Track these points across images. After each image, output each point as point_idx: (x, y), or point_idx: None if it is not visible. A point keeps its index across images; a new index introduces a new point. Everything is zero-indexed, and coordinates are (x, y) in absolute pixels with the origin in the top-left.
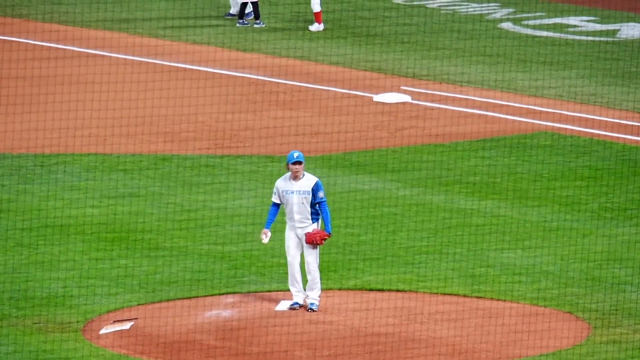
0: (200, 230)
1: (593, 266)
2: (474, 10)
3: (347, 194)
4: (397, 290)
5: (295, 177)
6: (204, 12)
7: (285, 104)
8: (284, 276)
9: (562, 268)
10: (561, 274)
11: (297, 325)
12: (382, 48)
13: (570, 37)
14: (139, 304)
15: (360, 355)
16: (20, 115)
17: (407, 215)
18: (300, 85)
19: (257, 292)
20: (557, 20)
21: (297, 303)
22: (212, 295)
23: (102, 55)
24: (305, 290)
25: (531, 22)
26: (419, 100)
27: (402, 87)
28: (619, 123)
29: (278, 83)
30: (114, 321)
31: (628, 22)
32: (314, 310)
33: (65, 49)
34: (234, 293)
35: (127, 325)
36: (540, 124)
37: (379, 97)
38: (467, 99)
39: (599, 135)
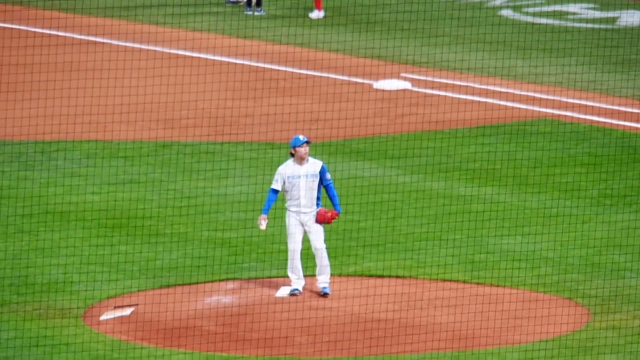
0: (201, 217)
1: (593, 252)
2: None
3: (347, 180)
4: (397, 277)
5: (301, 161)
6: (205, 0)
7: (285, 90)
8: (284, 262)
9: (562, 254)
10: (561, 260)
11: (297, 311)
12: (382, 35)
13: (570, 24)
14: (139, 290)
15: (360, 341)
16: (20, 102)
17: (407, 201)
18: (300, 73)
19: (257, 278)
20: (557, 7)
21: (297, 289)
22: (212, 281)
23: (103, 43)
24: (316, 275)
25: (531, 10)
26: (418, 87)
27: (402, 74)
28: (619, 110)
29: (278, 70)
30: (115, 307)
31: (627, 9)
32: (327, 294)
33: (65, 37)
34: (234, 279)
35: (127, 311)
36: (540, 110)
37: (379, 84)
38: (467, 86)
39: (598, 122)
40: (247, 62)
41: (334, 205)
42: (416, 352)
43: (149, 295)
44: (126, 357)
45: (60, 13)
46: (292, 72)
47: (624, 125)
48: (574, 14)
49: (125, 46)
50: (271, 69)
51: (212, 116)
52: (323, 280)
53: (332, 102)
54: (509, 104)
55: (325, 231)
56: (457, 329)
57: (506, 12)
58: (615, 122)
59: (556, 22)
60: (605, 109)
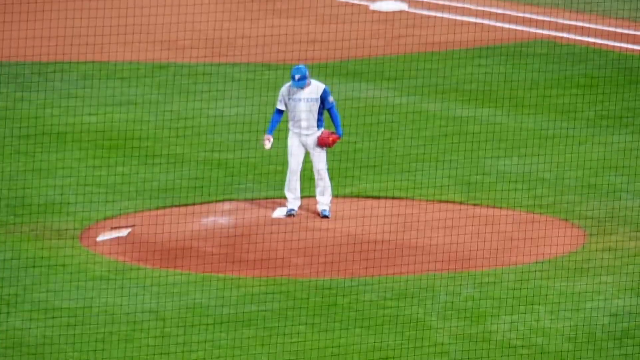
0: (197, 138)
1: (589, 174)
2: None
3: (343, 102)
4: (393, 198)
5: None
6: None
7: (282, 12)
8: (280, 183)
9: (558, 175)
10: (557, 181)
11: (294, 232)
12: None
13: None
14: (136, 211)
15: (357, 262)
16: (17, 23)
17: (404, 123)
18: None
19: (254, 199)
20: None
21: (293, 209)
22: (208, 202)
23: None
24: (316, 196)
25: None
26: (415, 8)
27: None
28: (615, 31)
29: None
30: (111, 228)
31: None
32: (326, 217)
33: None
34: (230, 200)
35: (124, 232)
36: (536, 32)
37: (376, 6)
38: (463, 7)
39: (594, 43)
40: None
41: (335, 127)
42: (413, 273)
43: (146, 216)
44: (123, 277)
45: None
46: None
47: (620, 47)
48: None
49: None
50: None
51: (209, 37)
52: (324, 202)
53: (329, 23)
54: (506, 25)
55: (327, 153)
56: (453, 250)
57: None
58: (611, 43)
59: None
60: (602, 30)
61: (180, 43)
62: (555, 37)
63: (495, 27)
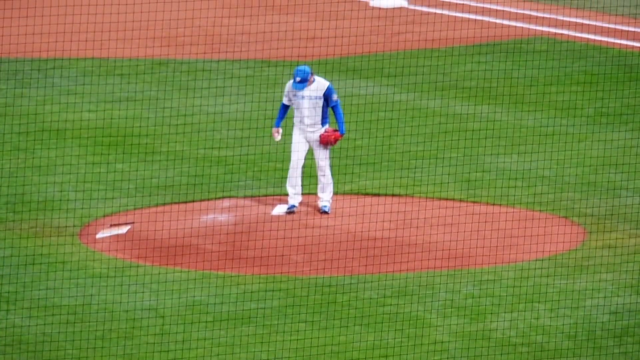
0: (197, 135)
1: (589, 171)
2: None
3: (343, 98)
4: (393, 195)
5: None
6: None
7: (281, 8)
8: (280, 180)
9: (558, 173)
10: (557, 178)
11: (294, 229)
12: None
13: None
14: (135, 208)
15: (356, 259)
16: (17, 20)
17: (403, 119)
18: None
19: (254, 196)
20: None
21: (293, 205)
22: (208, 199)
23: None
24: (317, 193)
25: None
26: (415, 5)
27: None
28: (615, 28)
29: None
30: (111, 225)
31: None
32: (326, 212)
33: None
34: (230, 197)
35: (123, 230)
36: (536, 29)
37: (376, 2)
38: (463, 4)
39: (594, 40)
40: None
41: (338, 125)
42: (412, 270)
43: (145, 214)
44: (122, 275)
45: None
46: None
47: (620, 44)
48: None
49: None
50: None
51: (209, 34)
52: (325, 198)
53: (329, 19)
54: (505, 22)
55: (330, 150)
56: (453, 248)
57: None
58: (611, 40)
59: None
60: (602, 27)
61: (180, 39)
62: (555, 33)
63: (495, 23)
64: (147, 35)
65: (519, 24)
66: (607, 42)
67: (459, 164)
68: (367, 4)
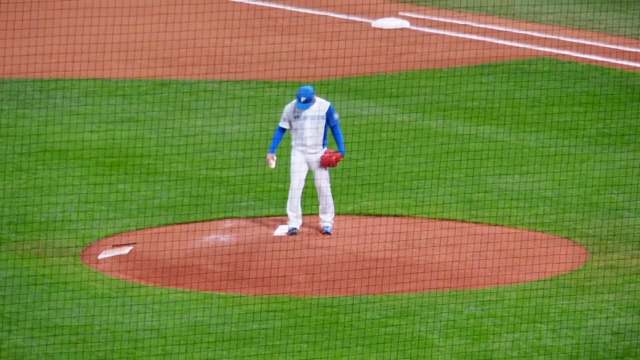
0: (199, 155)
1: (591, 191)
2: None
3: (345, 119)
4: (395, 216)
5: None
6: None
7: (283, 29)
8: (282, 201)
9: (560, 193)
10: (559, 199)
11: (296, 250)
12: None
13: None
14: (137, 229)
15: (358, 279)
16: (19, 40)
17: (405, 140)
18: (298, 11)
19: (256, 217)
20: None
21: (295, 228)
22: (210, 220)
23: None
24: (319, 214)
25: None
26: (417, 25)
27: (400, 13)
28: (617, 49)
29: (277, 8)
30: (113, 246)
31: None
32: (329, 233)
33: None
34: (232, 218)
35: (125, 250)
36: (538, 49)
37: (378, 23)
38: (465, 24)
39: (596, 61)
40: (245, 1)
41: (338, 146)
42: (414, 291)
43: (147, 234)
44: (124, 295)
45: None
46: (291, 10)
47: (622, 65)
48: None
49: None
50: (269, 7)
51: (211, 54)
52: (327, 219)
53: (331, 40)
54: (508, 42)
55: (330, 170)
56: (455, 268)
57: None
58: (613, 61)
59: None
60: (604, 47)
61: (182, 60)
62: (557, 54)
63: (497, 44)
64: (149, 56)
65: (521, 45)
66: (610, 62)
67: (461, 184)
68: (369, 24)
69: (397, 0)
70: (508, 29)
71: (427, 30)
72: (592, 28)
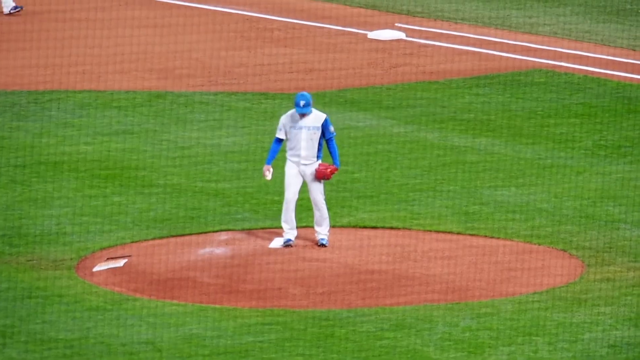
0: (194, 168)
1: (587, 204)
2: None
3: (341, 131)
4: (391, 228)
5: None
6: None
7: (279, 40)
8: (277, 213)
9: (556, 205)
10: (555, 211)
11: (291, 262)
12: None
13: None
14: (132, 241)
15: (354, 292)
16: (14, 52)
17: (401, 152)
18: (294, 22)
19: (251, 229)
20: None
21: (290, 240)
22: (205, 232)
23: None
24: (314, 227)
25: None
26: (413, 37)
27: (396, 24)
28: (614, 60)
29: (272, 20)
30: (108, 258)
31: None
32: (324, 245)
33: None
34: (227, 230)
35: (120, 263)
36: (534, 61)
37: (374, 34)
38: (461, 36)
39: (593, 72)
40: (241, 12)
41: (333, 159)
42: (410, 303)
43: (142, 247)
44: (119, 308)
45: None
46: (287, 21)
47: (618, 76)
48: None
49: None
50: (265, 19)
51: (206, 66)
52: (322, 231)
53: (327, 52)
54: (504, 54)
55: (325, 183)
56: (451, 281)
57: None
58: (609, 72)
59: None
60: (600, 59)
61: (177, 72)
62: (553, 65)
63: (493, 55)
64: (145, 68)
65: (517, 56)
66: (606, 74)
67: (457, 196)
68: (365, 36)
69: (393, 11)
70: (504, 41)
71: (423, 41)
72: (589, 39)
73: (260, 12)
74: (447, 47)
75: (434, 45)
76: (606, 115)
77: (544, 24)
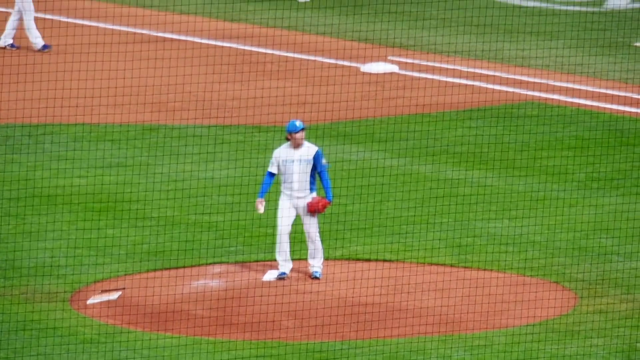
0: (188, 200)
1: (580, 236)
2: None
3: (334, 164)
4: (384, 260)
5: (297, 145)
6: None
7: (272, 74)
8: (271, 246)
9: (549, 238)
10: (548, 243)
11: (285, 295)
12: (369, 18)
13: (557, 7)
14: (126, 274)
15: (348, 325)
16: (7, 85)
17: (394, 185)
18: (287, 56)
19: (245, 262)
20: None
21: (284, 273)
22: (199, 265)
23: (90, 26)
24: (307, 259)
25: None
26: (406, 70)
27: (389, 57)
28: (606, 93)
29: (265, 53)
30: (102, 291)
31: None
32: (318, 278)
33: (52, 19)
34: (221, 263)
35: (114, 296)
36: (527, 94)
37: (366, 67)
38: (454, 69)
39: (585, 105)
40: (234, 45)
41: (325, 192)
42: (403, 336)
43: (136, 279)
44: (113, 341)
45: None
46: (279, 55)
47: (610, 109)
48: None
49: (112, 29)
50: (258, 52)
51: (199, 99)
52: (315, 264)
53: (319, 85)
54: (496, 87)
55: (318, 216)
56: (444, 313)
57: None
58: (602, 105)
59: (543, 4)
60: (593, 92)
61: (171, 105)
62: (546, 98)
63: (485, 88)
64: (138, 101)
65: (510, 89)
66: (598, 107)
67: (450, 229)
68: (358, 69)
69: (386, 44)
70: (497, 73)
71: (416, 74)
72: (581, 72)
73: (253, 45)
74: (440, 80)
75: (426, 78)
76: (599, 148)
77: (536, 57)
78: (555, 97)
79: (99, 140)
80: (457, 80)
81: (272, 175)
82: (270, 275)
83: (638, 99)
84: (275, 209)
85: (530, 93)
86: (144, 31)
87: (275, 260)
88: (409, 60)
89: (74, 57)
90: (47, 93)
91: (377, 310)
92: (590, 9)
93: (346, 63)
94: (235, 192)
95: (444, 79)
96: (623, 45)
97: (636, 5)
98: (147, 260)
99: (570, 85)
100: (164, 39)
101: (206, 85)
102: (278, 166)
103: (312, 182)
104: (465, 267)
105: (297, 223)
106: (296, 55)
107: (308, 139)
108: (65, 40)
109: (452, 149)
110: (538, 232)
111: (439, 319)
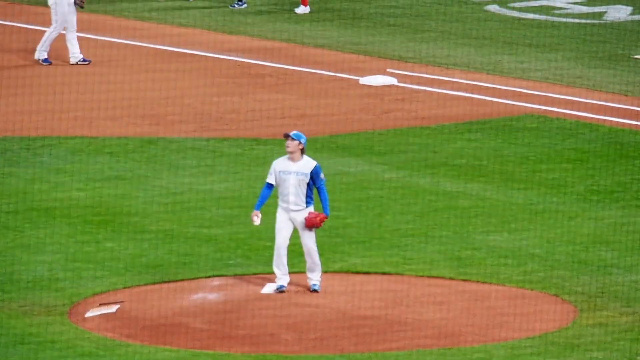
0: (187, 213)
1: (579, 249)
2: None
3: (332, 176)
4: (383, 273)
5: (292, 157)
6: None
7: (271, 86)
8: (269, 259)
9: (549, 251)
10: (547, 256)
11: (283, 308)
12: (368, 31)
13: (556, 19)
14: (125, 287)
15: (347, 338)
16: (5, 98)
17: (393, 198)
18: (286, 68)
19: (243, 275)
20: (544, 2)
21: (282, 286)
22: (198, 278)
23: (88, 38)
24: (306, 272)
25: (517, 5)
26: (405, 82)
27: (388, 70)
28: (605, 105)
29: (264, 66)
30: (100, 304)
31: (614, 4)
32: (317, 291)
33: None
34: (220, 276)
35: (113, 309)
36: (526, 106)
37: (365, 80)
38: (453, 81)
39: (585, 117)
40: (233, 58)
41: (323, 207)
42: (402, 349)
43: (135, 293)
44: (112, 354)
45: (44, 8)
46: (278, 67)
47: (610, 121)
48: (560, 8)
49: (111, 42)
50: (257, 65)
51: (198, 112)
52: (314, 277)
53: (318, 97)
54: (496, 99)
55: (316, 230)
56: (443, 326)
57: (492, 7)
58: (602, 117)
59: (542, 17)
60: (592, 104)
61: (169, 118)
62: (545, 111)
63: (485, 101)
64: (137, 114)
65: (509, 102)
66: (598, 119)
67: (449, 242)
68: (357, 81)
69: (385, 57)
70: (496, 86)
71: (415, 87)
72: (580, 85)
73: (252, 58)
74: (439, 93)
75: (425, 90)
76: (598, 161)
77: (536, 70)
78: (555, 109)
79: (98, 153)
80: (456, 93)
81: (270, 186)
82: (269, 288)
83: (638, 111)
84: (274, 221)
85: (529, 105)
86: (142, 44)
87: (273, 273)
88: (408, 73)
89: (72, 69)
90: (45, 105)
91: (376, 323)
92: (590, 21)
93: (345, 75)
94: (233, 205)
95: (443, 91)
96: (623, 58)
97: (636, 17)
98: (145, 274)
99: (569, 98)
100: (163, 52)
101: (205, 98)
102: (276, 178)
103: (309, 196)
104: (464, 280)
105: (296, 236)
106: (295, 68)
107: (307, 152)
108: (64, 53)
109: (451, 161)
110: (537, 245)
111: (438, 331)
